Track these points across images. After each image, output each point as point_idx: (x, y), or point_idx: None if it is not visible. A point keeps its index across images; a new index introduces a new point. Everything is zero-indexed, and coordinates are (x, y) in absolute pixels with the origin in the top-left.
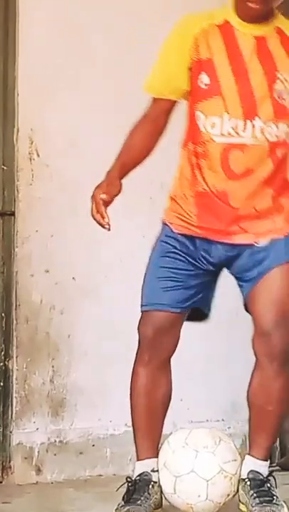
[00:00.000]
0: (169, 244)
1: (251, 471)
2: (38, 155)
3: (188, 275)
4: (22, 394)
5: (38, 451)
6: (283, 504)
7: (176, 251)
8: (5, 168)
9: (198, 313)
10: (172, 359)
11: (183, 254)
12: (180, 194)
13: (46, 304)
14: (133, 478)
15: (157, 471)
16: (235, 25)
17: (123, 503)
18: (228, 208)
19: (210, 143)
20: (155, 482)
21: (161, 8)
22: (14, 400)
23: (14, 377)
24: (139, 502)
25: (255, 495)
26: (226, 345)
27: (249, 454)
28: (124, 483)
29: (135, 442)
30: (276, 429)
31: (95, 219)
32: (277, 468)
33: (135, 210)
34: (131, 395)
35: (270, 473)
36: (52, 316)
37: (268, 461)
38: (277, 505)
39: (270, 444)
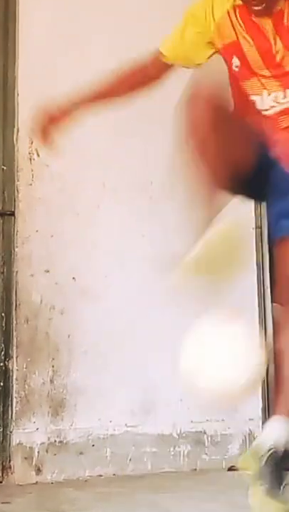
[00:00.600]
0: None
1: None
2: (38, 155)
3: None
4: (22, 394)
5: (38, 451)
6: None
7: None
8: (5, 168)
9: None
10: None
11: None
12: None
13: (46, 304)
14: None
15: None
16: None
17: None
18: None
19: (258, 117)
20: None
21: (161, 8)
22: (14, 400)
23: (14, 377)
24: None
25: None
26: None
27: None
28: None
29: None
30: None
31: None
32: None
33: (135, 210)
34: None
35: None
36: (52, 316)
37: None
38: None
39: None
